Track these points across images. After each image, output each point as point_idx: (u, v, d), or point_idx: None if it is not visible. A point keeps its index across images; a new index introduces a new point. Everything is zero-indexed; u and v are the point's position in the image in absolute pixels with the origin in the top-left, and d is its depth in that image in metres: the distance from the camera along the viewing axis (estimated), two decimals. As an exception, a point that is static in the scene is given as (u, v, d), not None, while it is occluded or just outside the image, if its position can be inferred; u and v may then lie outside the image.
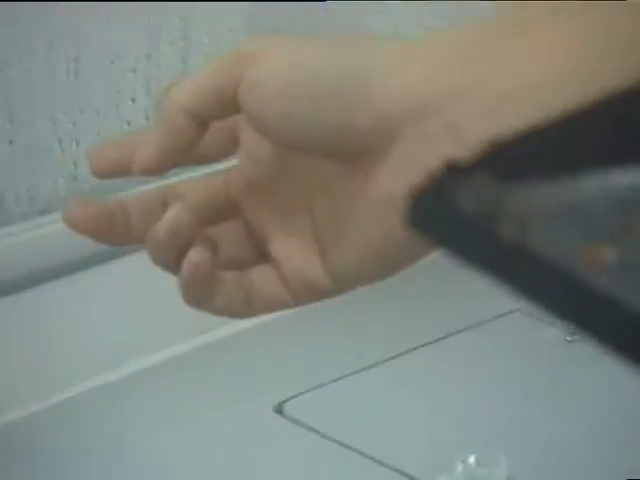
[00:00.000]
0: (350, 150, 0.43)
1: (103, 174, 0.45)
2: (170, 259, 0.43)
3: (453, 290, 0.82)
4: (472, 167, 0.40)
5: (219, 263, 0.44)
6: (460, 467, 0.56)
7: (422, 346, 0.77)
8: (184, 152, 0.44)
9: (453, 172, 0.40)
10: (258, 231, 0.46)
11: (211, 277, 0.43)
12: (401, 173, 0.42)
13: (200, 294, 0.43)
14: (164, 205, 0.44)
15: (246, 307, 0.46)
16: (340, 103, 0.42)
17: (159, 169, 0.43)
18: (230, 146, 0.46)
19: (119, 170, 0.45)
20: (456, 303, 0.84)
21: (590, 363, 0.59)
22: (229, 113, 0.43)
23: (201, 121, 0.43)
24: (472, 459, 0.55)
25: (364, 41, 0.47)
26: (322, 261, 0.45)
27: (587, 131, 0.45)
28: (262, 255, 0.46)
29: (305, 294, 0.45)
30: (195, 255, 0.42)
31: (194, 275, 0.42)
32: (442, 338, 0.79)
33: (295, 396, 0.72)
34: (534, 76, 0.44)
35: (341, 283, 0.45)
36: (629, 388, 0.54)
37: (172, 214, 0.42)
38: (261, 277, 0.46)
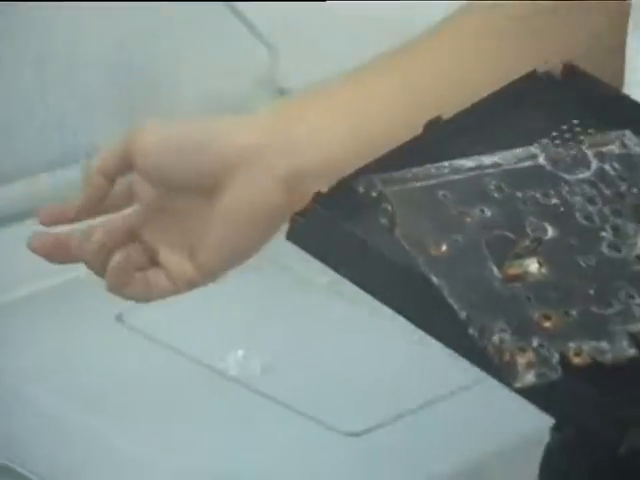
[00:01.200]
0: (204, 184, 0.68)
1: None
2: (98, 266, 0.69)
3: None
4: (331, 198, 0.58)
5: (127, 268, 0.71)
6: (232, 359, 0.93)
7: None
8: (101, 199, 0.70)
9: (317, 203, 0.58)
10: (151, 247, 0.72)
11: (123, 274, 0.70)
12: (239, 200, 0.67)
13: (116, 286, 0.70)
14: (88, 236, 0.70)
15: (145, 295, 0.70)
16: (194, 155, 0.68)
17: (87, 214, 0.70)
18: (128, 197, 0.72)
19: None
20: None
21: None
22: (127, 169, 0.70)
23: (109, 176, 0.69)
24: (240, 353, 0.93)
25: (216, 118, 0.75)
26: (193, 262, 0.69)
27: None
28: (155, 262, 0.71)
29: (183, 285, 0.71)
30: (114, 259, 0.69)
31: (113, 271, 0.70)
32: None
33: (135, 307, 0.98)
34: (316, 127, 0.68)
35: (207, 274, 0.69)
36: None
37: (98, 236, 0.68)
38: (155, 276, 0.70)
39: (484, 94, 0.68)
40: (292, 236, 0.59)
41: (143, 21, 1.33)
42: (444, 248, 0.59)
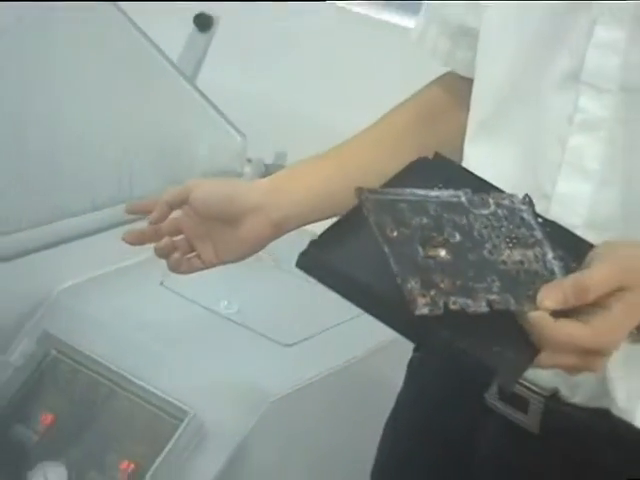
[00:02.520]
0: (229, 219, 1.08)
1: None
2: (165, 257, 1.10)
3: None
4: (322, 241, 0.88)
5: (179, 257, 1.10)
6: (222, 304, 1.50)
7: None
8: (161, 220, 1.09)
9: (317, 242, 0.88)
10: (192, 245, 1.11)
11: (178, 261, 1.09)
12: (248, 231, 1.09)
13: (173, 267, 1.10)
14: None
15: (188, 270, 1.11)
16: (225, 202, 1.08)
17: (152, 233, 1.10)
18: (174, 227, 1.11)
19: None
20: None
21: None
22: (181, 204, 1.09)
23: (170, 206, 1.09)
24: (225, 302, 1.50)
25: (238, 181, 1.27)
26: (215, 256, 1.10)
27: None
28: (193, 249, 1.11)
29: (209, 266, 1.11)
30: (175, 254, 1.09)
31: (173, 260, 1.09)
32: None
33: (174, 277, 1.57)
34: (298, 196, 1.11)
35: (223, 263, 1.11)
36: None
37: (167, 240, 1.11)
38: (193, 260, 1.11)
39: (389, 173, 1.00)
40: (299, 265, 0.89)
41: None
42: (395, 234, 0.87)
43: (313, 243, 0.89)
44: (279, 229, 1.13)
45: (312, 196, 1.16)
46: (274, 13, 1.98)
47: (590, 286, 0.87)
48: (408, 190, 0.91)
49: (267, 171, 1.64)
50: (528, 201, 0.94)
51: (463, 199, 0.92)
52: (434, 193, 0.93)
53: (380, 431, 1.24)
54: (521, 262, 0.89)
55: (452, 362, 0.96)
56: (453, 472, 1.16)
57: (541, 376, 1.05)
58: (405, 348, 1.05)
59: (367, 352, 1.50)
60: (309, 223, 1.15)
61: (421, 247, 0.86)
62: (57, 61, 1.50)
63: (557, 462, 1.08)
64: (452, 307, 0.83)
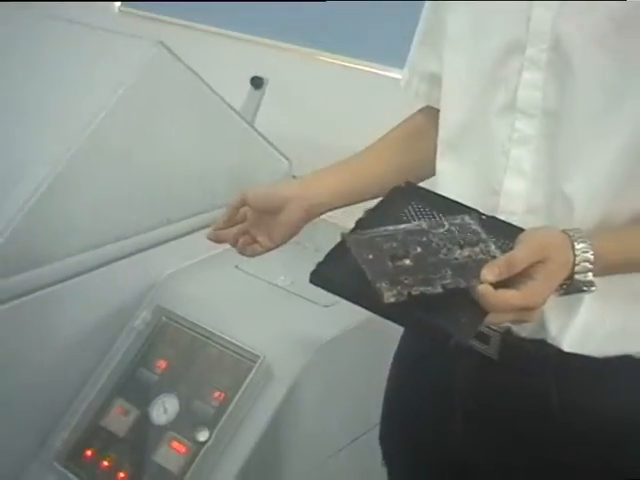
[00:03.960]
0: (274, 210, 1.27)
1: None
2: (234, 244, 1.30)
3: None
4: (327, 260, 0.99)
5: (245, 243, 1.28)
6: (281, 279, 1.77)
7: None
8: (233, 217, 1.28)
9: (322, 263, 0.99)
10: (254, 235, 1.29)
11: (244, 246, 1.29)
12: (287, 218, 1.28)
13: (242, 251, 1.29)
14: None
15: (252, 254, 1.30)
16: (272, 198, 1.27)
17: (227, 225, 1.29)
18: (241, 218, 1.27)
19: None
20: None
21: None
22: (244, 204, 1.26)
23: (237, 206, 1.28)
24: (283, 277, 1.79)
25: (281, 182, 1.39)
26: (270, 240, 1.28)
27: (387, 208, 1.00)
28: (255, 240, 1.28)
29: (266, 250, 1.29)
30: (240, 240, 1.29)
31: (241, 245, 1.30)
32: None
33: (246, 260, 1.52)
34: (321, 190, 1.30)
35: (275, 246, 1.29)
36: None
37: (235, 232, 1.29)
38: (255, 246, 1.29)
39: (385, 176, 1.20)
40: (312, 281, 0.98)
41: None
42: (371, 256, 0.97)
43: (320, 264, 1.00)
44: (309, 214, 1.29)
45: (331, 191, 1.30)
46: (306, 74, 2.18)
47: (516, 261, 0.99)
48: (382, 228, 1.01)
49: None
50: (475, 216, 1.03)
51: (424, 225, 1.01)
52: (402, 226, 1.01)
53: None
54: (469, 256, 0.98)
55: (425, 334, 1.04)
56: (439, 397, 1.27)
57: (497, 321, 1.10)
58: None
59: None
60: (330, 210, 1.30)
61: (390, 261, 0.97)
62: (163, 118, 1.69)
63: (512, 380, 1.19)
64: (414, 293, 0.93)
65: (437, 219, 1.00)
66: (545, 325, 1.14)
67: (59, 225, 1.55)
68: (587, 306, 1.12)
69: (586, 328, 1.13)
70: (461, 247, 0.98)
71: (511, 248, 1.01)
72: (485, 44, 1.12)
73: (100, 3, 2.51)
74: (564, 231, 1.03)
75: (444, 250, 0.97)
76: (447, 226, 0.99)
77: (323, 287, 0.97)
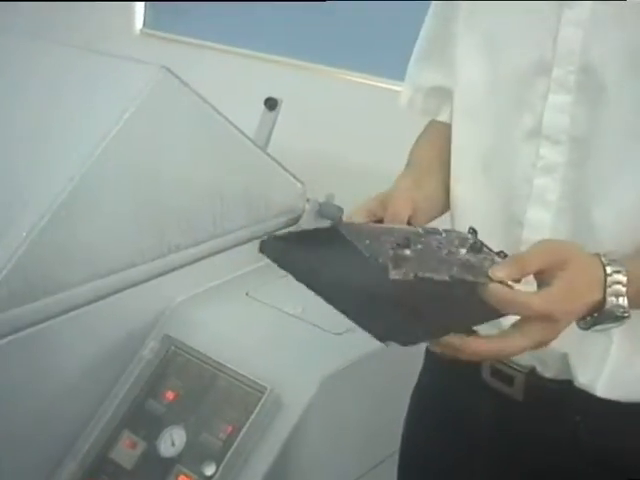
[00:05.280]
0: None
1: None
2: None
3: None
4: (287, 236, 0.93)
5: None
6: (292, 306, 1.76)
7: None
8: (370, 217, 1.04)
9: (283, 236, 0.94)
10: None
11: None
12: (396, 203, 1.07)
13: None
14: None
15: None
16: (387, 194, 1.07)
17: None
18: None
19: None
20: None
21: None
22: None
23: (372, 211, 1.05)
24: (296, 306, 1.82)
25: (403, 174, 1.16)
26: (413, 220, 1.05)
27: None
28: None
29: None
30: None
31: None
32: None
33: (257, 286, 1.78)
34: (429, 188, 1.16)
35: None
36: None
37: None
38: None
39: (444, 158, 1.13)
40: (261, 250, 0.94)
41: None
42: (367, 242, 0.91)
43: (276, 235, 0.96)
44: (416, 196, 1.17)
45: (430, 200, 1.21)
46: (322, 92, 2.19)
47: (526, 261, 0.94)
48: (374, 224, 1.01)
49: (321, 208, 1.88)
50: (473, 231, 0.99)
51: (420, 230, 0.99)
52: (397, 226, 1.01)
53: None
54: (472, 261, 0.95)
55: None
56: (461, 439, 1.26)
57: (521, 357, 1.14)
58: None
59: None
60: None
61: (391, 249, 0.93)
62: (170, 144, 1.68)
63: (537, 426, 1.17)
64: (420, 275, 0.89)
65: (433, 227, 0.98)
66: (572, 370, 1.13)
67: (65, 255, 1.53)
68: (617, 346, 1.09)
69: (617, 372, 1.11)
70: (463, 249, 0.95)
71: None
72: (505, 63, 1.09)
73: (121, 25, 2.55)
74: (594, 253, 0.99)
75: (445, 251, 0.94)
76: (444, 234, 0.97)
77: (272, 258, 0.96)
